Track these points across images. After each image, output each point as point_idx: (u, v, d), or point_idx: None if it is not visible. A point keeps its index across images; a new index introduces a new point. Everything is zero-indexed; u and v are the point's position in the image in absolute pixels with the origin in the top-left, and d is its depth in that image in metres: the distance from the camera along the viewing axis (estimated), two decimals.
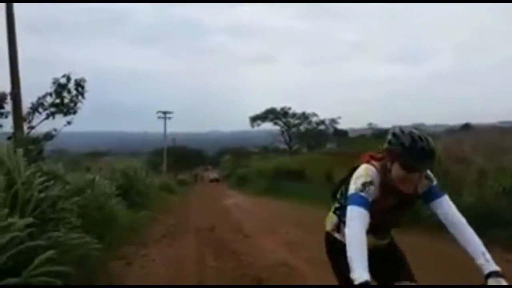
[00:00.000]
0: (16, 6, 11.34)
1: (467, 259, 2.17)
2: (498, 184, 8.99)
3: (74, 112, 12.22)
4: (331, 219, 2.51)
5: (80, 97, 12.33)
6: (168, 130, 51.91)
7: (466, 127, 49.33)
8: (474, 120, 55.80)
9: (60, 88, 12.20)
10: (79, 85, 12.36)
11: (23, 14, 11.62)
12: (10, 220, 3.94)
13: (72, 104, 12.25)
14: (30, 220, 4.19)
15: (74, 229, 5.41)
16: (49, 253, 3.94)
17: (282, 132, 64.48)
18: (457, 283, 3.89)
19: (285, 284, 5.26)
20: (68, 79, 12.30)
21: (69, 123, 12.33)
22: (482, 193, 8.74)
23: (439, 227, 7.29)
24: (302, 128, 64.53)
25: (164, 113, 50.52)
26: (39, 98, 12.06)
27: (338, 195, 2.44)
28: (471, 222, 7.19)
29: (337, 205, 2.43)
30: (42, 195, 5.05)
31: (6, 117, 11.10)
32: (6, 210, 4.16)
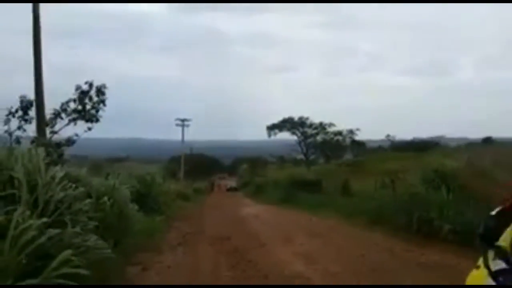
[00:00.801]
0: (41, 12, 11.68)
1: None
2: None
3: (97, 120, 12.49)
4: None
5: (101, 104, 12.61)
6: (186, 137, 52.40)
7: (488, 141, 48.38)
8: (496, 134, 54.59)
9: (82, 94, 12.51)
10: (100, 91, 12.64)
11: (46, 20, 11.95)
12: (30, 221, 4.02)
13: (94, 111, 12.54)
14: (48, 220, 4.28)
15: (89, 232, 5.48)
16: (67, 253, 4.00)
17: (299, 142, 64.30)
18: None
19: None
20: (91, 86, 12.60)
21: (89, 129, 12.60)
22: None
23: (458, 243, 7.13)
24: (319, 138, 64.22)
25: (182, 120, 51.05)
26: (62, 104, 12.38)
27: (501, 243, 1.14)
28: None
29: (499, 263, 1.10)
30: (61, 195, 5.15)
31: (30, 122, 11.42)
32: (28, 212, 4.25)
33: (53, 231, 4.17)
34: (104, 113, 12.86)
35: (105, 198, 7.45)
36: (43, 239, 3.96)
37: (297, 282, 6.02)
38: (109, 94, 12.90)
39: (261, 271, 6.73)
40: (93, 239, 5.23)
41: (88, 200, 5.98)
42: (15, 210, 4.12)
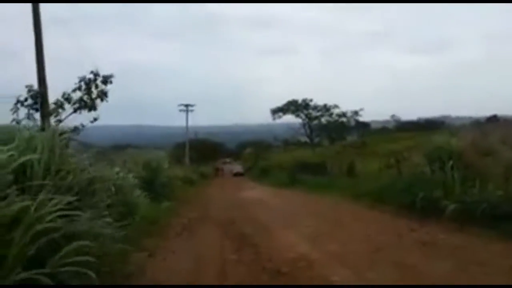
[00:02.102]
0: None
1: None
2: None
3: (95, 109, 12.47)
4: None
5: (104, 96, 12.60)
6: (190, 123, 52.47)
7: (493, 118, 47.97)
8: (502, 111, 54.12)
9: (87, 84, 12.48)
10: (106, 81, 12.60)
11: (46, 6, 11.83)
12: (50, 206, 4.09)
13: (99, 100, 12.52)
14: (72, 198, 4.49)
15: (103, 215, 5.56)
16: (74, 245, 4.04)
17: (304, 125, 64.10)
18: None
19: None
20: (96, 75, 12.55)
21: (95, 119, 12.60)
22: (509, 187, 8.48)
23: (463, 221, 7.12)
24: (323, 120, 63.98)
25: (186, 105, 51.01)
26: (64, 94, 12.34)
27: None
28: (498, 216, 7.01)
29: None
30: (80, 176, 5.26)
31: (38, 111, 11.50)
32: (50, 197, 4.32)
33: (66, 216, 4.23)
34: (107, 103, 12.82)
35: (111, 185, 7.47)
36: (59, 223, 4.01)
37: (302, 264, 6.04)
38: (113, 81, 12.85)
39: (265, 254, 6.77)
40: (109, 225, 5.31)
41: (99, 185, 6.03)
42: (35, 198, 4.16)
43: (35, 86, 11.43)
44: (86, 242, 4.22)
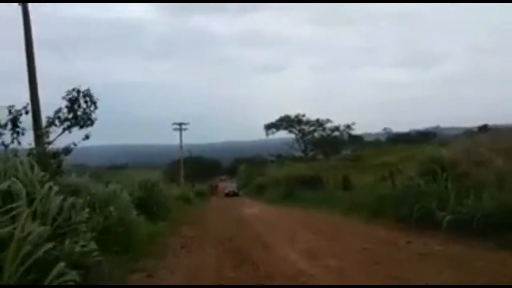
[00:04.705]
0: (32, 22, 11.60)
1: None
2: None
3: (91, 124, 12.44)
4: None
5: (92, 108, 12.56)
6: (184, 141, 52.41)
7: (484, 128, 48.50)
8: (492, 121, 54.78)
9: (71, 102, 12.47)
10: (87, 95, 12.61)
11: (39, 29, 11.91)
12: (31, 230, 4.06)
13: (85, 116, 12.50)
14: (46, 228, 4.33)
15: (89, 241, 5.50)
16: (61, 266, 4.04)
17: (297, 140, 64.39)
18: None
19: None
20: (78, 92, 12.58)
21: (87, 137, 12.55)
22: (503, 197, 8.58)
23: (459, 232, 7.20)
24: (316, 135, 64.40)
25: (180, 124, 51.03)
26: (56, 112, 12.33)
27: None
28: (493, 226, 7.10)
29: None
30: (58, 206, 5.18)
31: (23, 134, 11.26)
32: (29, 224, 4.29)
33: (49, 245, 4.19)
34: (101, 120, 12.80)
35: (109, 207, 7.47)
36: (41, 251, 3.99)
37: (301, 280, 6.05)
38: (106, 102, 12.91)
39: (264, 270, 6.76)
40: (92, 249, 5.26)
41: (87, 210, 5.98)
42: (13, 223, 4.15)
43: (17, 106, 11.17)
44: (67, 266, 4.15)
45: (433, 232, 8.85)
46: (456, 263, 6.55)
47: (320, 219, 14.51)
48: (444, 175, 9.92)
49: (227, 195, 45.44)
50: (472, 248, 7.33)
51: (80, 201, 6.51)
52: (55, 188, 5.40)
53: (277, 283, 5.93)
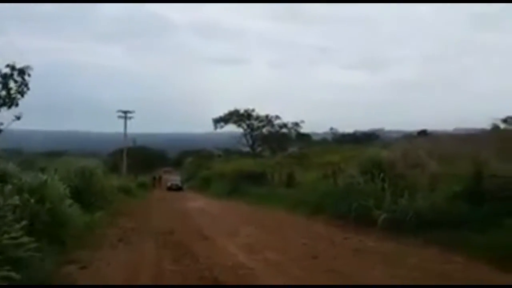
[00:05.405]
0: None
1: None
2: (449, 188, 9.40)
3: (16, 105, 11.68)
4: None
5: (25, 88, 11.81)
6: (129, 130, 50.70)
7: (423, 133, 51.32)
8: (431, 127, 58.20)
9: (4, 79, 11.65)
10: (23, 72, 11.83)
11: None
12: None
13: (19, 95, 11.73)
14: None
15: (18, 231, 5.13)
16: None
17: (245, 135, 64.61)
18: None
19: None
20: (13, 68, 11.78)
21: (18, 118, 11.77)
22: (434, 197, 9.10)
23: (393, 230, 7.51)
24: (265, 131, 64.94)
25: (125, 112, 49.36)
26: None
27: None
28: (424, 224, 7.46)
29: None
30: None
31: None
32: None
33: None
34: (32, 99, 12.03)
35: (37, 195, 7.01)
36: None
37: (240, 272, 6.06)
38: (46, 83, 12.22)
39: (204, 263, 6.71)
40: (22, 239, 4.92)
41: (16, 197, 5.57)
42: None
43: None
44: None
45: (369, 229, 9.21)
46: (388, 258, 6.87)
47: (263, 215, 14.65)
48: (382, 175, 10.34)
49: (170, 188, 42.55)
50: (404, 245, 7.72)
51: (9, 186, 6.09)
52: None
53: (216, 275, 5.89)
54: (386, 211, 9.25)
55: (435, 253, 7.02)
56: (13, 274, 3.76)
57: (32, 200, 6.55)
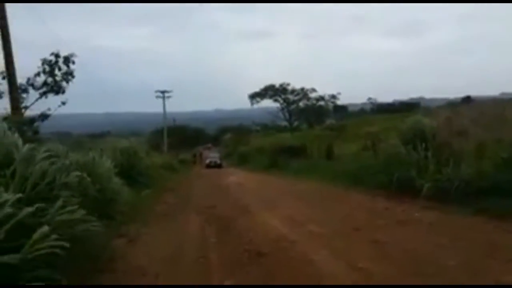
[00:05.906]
0: None
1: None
2: (497, 155, 9.02)
3: (63, 92, 12.16)
4: None
5: (70, 76, 12.26)
6: (168, 109, 51.80)
7: (467, 100, 49.18)
8: (476, 92, 55.66)
9: (50, 66, 12.10)
10: (67, 60, 12.24)
11: None
12: (5, 197, 3.94)
13: (64, 82, 12.19)
14: (23, 196, 4.21)
15: (74, 206, 5.39)
16: (45, 229, 3.94)
17: (282, 109, 64.30)
18: None
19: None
20: (57, 56, 12.19)
21: (63, 103, 12.28)
22: (481, 165, 8.77)
23: (437, 199, 7.33)
24: (301, 104, 64.35)
25: (163, 92, 50.30)
26: (29, 79, 11.97)
27: None
28: (470, 193, 7.24)
29: None
30: (41, 169, 5.05)
31: (1, 97, 11.01)
32: (2, 189, 4.16)
33: (29, 209, 4.06)
34: (82, 87, 12.56)
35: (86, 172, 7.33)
36: (21, 215, 3.89)
37: (282, 245, 6.14)
38: (86, 69, 12.62)
39: (246, 236, 6.84)
40: (79, 213, 5.17)
41: (74, 173, 5.85)
42: None
43: None
44: (52, 230, 4.05)
45: (412, 200, 9.04)
46: (433, 228, 6.74)
47: (303, 188, 14.67)
48: (424, 144, 10.04)
49: (208, 166, 41.17)
50: (450, 215, 7.53)
51: (67, 162, 6.38)
52: (41, 150, 5.28)
53: (258, 247, 6.00)
54: (430, 180, 9.02)
55: (482, 222, 6.81)
56: (63, 243, 3.96)
57: (88, 177, 6.85)
